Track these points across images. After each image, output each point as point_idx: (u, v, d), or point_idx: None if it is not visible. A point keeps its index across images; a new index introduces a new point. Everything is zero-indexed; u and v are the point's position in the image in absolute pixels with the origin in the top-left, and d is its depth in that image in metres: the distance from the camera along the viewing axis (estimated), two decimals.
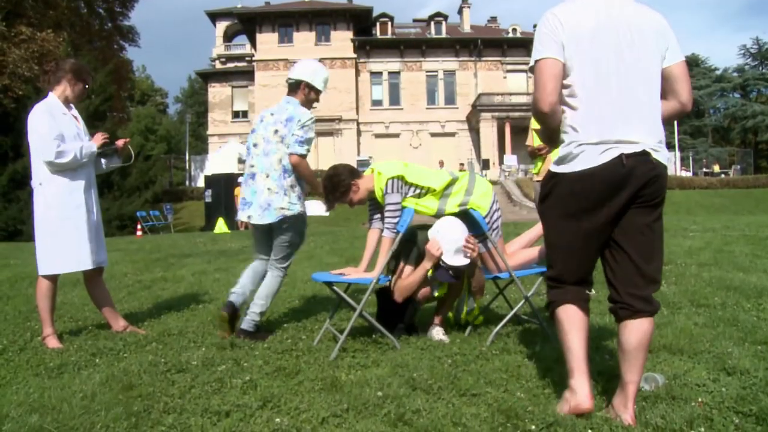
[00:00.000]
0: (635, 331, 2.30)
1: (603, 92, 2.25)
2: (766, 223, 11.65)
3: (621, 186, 2.23)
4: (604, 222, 2.29)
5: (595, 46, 2.26)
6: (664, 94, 2.38)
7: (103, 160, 4.23)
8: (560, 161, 2.34)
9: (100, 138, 4.14)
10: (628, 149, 2.21)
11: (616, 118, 2.23)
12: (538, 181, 5.46)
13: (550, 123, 2.36)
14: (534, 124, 5.43)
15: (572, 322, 2.38)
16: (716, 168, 39.41)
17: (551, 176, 2.39)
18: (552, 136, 2.47)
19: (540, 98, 2.27)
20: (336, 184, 3.86)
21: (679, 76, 2.36)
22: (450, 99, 43.89)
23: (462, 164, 39.04)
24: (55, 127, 3.85)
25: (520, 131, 35.46)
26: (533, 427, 2.33)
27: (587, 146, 2.24)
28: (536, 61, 2.30)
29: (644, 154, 2.23)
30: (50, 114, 3.89)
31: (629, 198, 2.25)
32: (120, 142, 4.27)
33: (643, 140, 2.24)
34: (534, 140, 5.47)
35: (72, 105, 4.11)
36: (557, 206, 2.37)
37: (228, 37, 52.25)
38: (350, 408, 2.56)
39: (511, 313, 3.83)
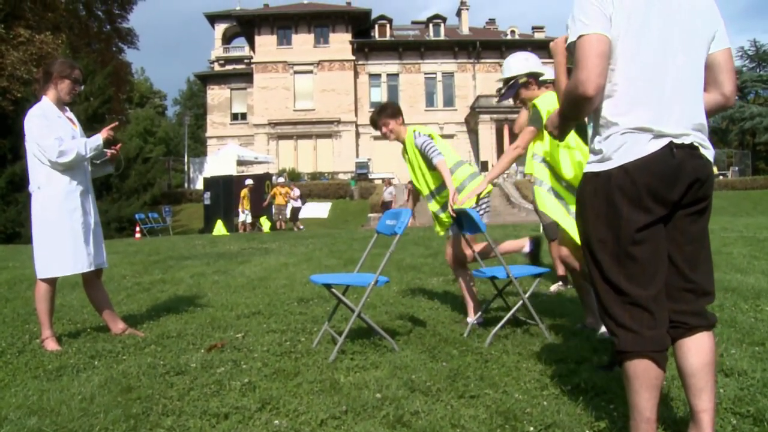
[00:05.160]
0: (695, 349, 1.98)
1: (651, 77, 1.93)
2: (764, 225, 11.66)
3: (673, 181, 1.90)
4: (659, 224, 1.95)
5: (646, 23, 1.93)
6: (704, 85, 2.07)
7: (96, 164, 4.22)
8: (599, 158, 1.98)
9: (105, 132, 4.05)
10: (677, 140, 1.91)
11: (663, 106, 1.92)
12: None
13: (589, 110, 2.00)
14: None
15: (645, 379, 1.91)
16: (714, 170, 39.30)
17: (590, 178, 2.01)
18: (570, 127, 2.22)
19: (586, 79, 1.88)
20: (378, 112, 4.55)
21: (723, 65, 2.07)
22: (448, 101, 43.95)
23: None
24: (52, 128, 3.85)
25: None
26: (531, 428, 2.34)
27: (633, 134, 1.91)
28: (580, 37, 1.92)
29: (693, 148, 1.93)
30: (44, 116, 3.88)
31: (680, 197, 1.93)
32: (112, 152, 4.25)
33: (692, 133, 1.94)
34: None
35: (66, 108, 4.10)
36: (604, 214, 1.96)
37: (227, 39, 52.32)
38: (349, 410, 2.57)
39: (509, 314, 3.84)
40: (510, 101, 4.30)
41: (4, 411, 2.66)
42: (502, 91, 4.10)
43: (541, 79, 5.33)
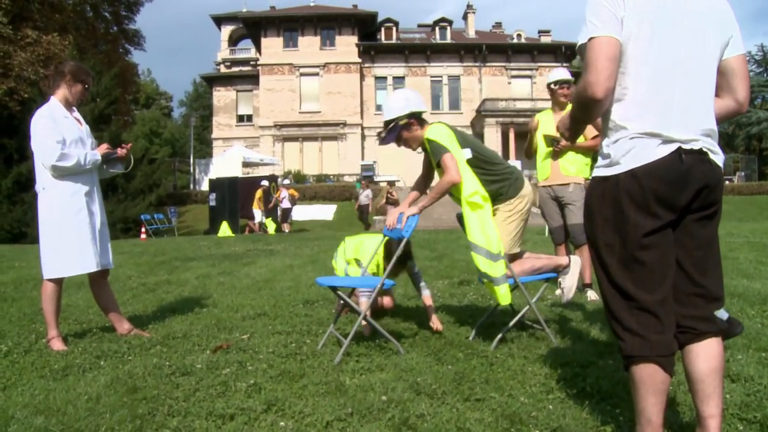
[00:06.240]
0: (703, 355, 1.96)
1: (660, 81, 1.92)
2: None
3: (682, 186, 1.90)
4: (667, 229, 1.95)
5: (658, 27, 1.91)
6: (718, 91, 2.06)
7: (104, 166, 4.25)
8: (608, 162, 1.98)
9: (104, 148, 4.16)
10: (685, 145, 1.89)
11: (672, 111, 1.91)
12: (542, 186, 5.47)
13: (598, 113, 1.98)
14: (542, 126, 5.39)
15: (651, 384, 1.91)
16: None
17: (599, 182, 2.01)
18: (581, 129, 2.21)
19: (595, 82, 1.87)
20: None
21: (738, 71, 2.06)
22: (454, 104, 43.91)
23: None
24: (57, 132, 3.86)
25: (524, 137, 35.31)
26: None
27: (641, 139, 1.91)
28: (590, 39, 1.91)
29: (702, 153, 1.92)
30: (52, 118, 3.90)
31: (688, 202, 1.93)
32: (122, 151, 4.28)
33: (702, 138, 1.93)
34: (538, 146, 5.46)
35: (74, 108, 4.12)
36: (612, 218, 1.96)
37: (233, 41, 52.50)
38: (354, 412, 2.57)
39: (516, 319, 3.83)
40: None
41: (10, 410, 2.67)
42: (383, 134, 3.92)
43: (556, 79, 5.32)
